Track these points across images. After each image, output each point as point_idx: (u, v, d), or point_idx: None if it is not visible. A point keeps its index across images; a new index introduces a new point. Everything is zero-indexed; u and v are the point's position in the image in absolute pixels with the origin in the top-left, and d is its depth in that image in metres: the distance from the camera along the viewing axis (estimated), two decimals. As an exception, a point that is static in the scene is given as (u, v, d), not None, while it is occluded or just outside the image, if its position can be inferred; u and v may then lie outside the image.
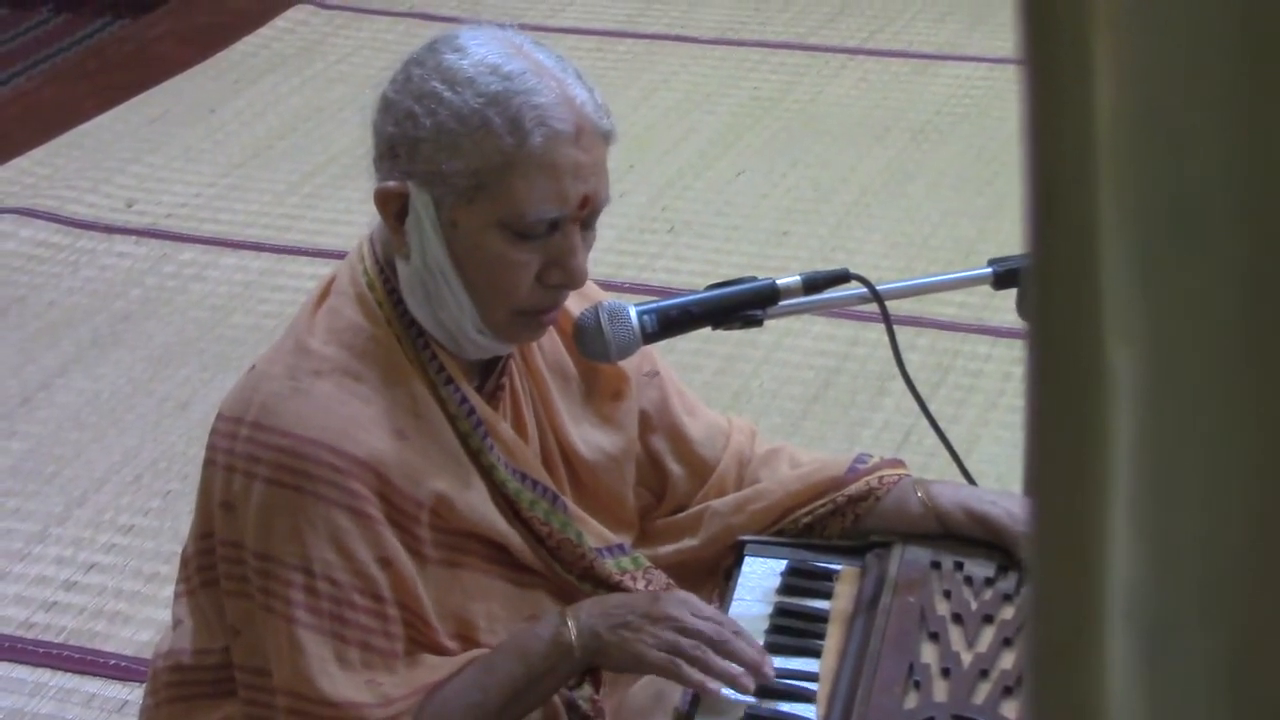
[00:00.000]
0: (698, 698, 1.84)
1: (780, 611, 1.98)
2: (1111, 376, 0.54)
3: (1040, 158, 0.55)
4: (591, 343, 1.93)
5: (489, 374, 1.93)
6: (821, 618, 1.97)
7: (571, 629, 1.85)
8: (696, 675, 1.80)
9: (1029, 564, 0.60)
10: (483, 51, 1.79)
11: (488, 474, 1.89)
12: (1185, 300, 0.52)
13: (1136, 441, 0.54)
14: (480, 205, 1.78)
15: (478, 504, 1.88)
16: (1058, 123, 0.54)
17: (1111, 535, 0.55)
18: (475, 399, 1.88)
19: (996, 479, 3.16)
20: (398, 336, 1.86)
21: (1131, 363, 0.53)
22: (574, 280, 1.83)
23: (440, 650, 1.87)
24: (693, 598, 1.91)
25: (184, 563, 1.97)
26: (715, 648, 1.82)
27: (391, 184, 1.81)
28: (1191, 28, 0.50)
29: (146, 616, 3.12)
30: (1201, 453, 0.53)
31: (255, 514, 1.81)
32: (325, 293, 1.90)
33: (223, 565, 1.86)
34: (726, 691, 1.82)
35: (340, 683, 1.79)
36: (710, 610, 1.88)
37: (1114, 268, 0.53)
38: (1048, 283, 0.55)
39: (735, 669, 1.81)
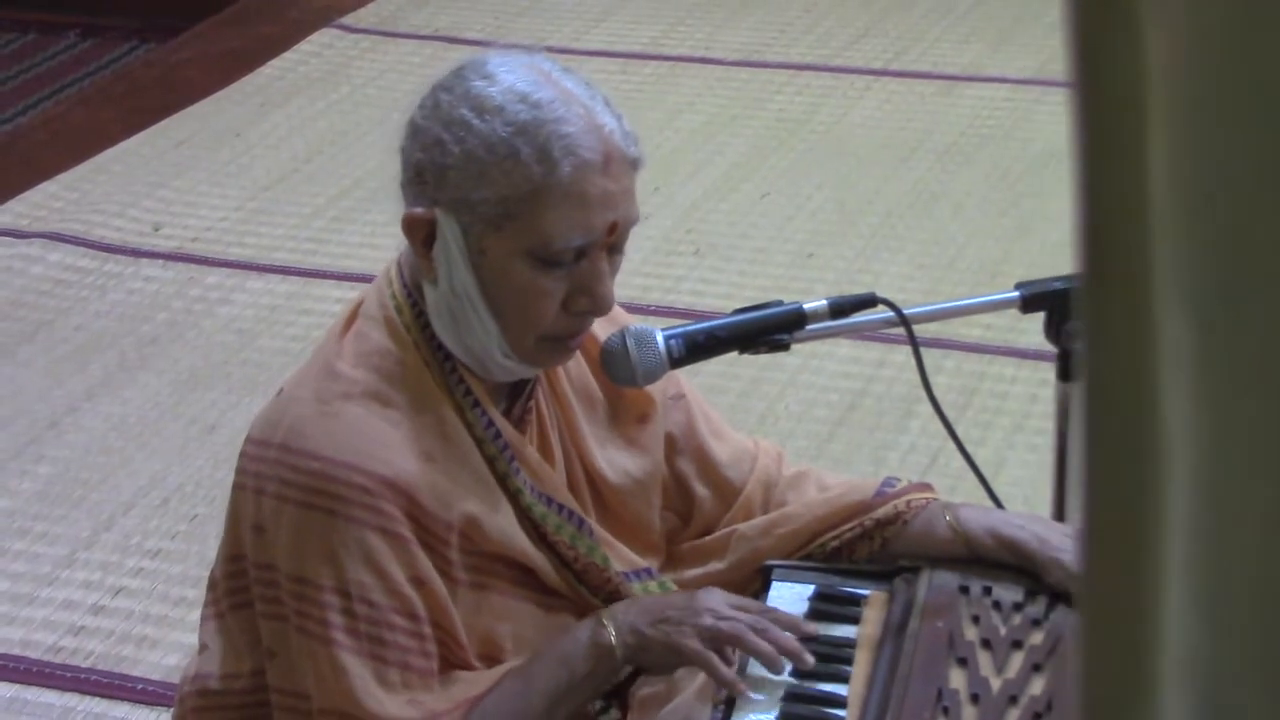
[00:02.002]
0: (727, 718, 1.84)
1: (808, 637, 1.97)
2: (1168, 441, 0.53)
3: (1093, 226, 0.54)
4: (618, 367, 1.93)
5: (515, 398, 1.93)
6: (849, 643, 1.96)
7: (610, 630, 1.87)
8: (729, 674, 1.85)
9: (1081, 623, 0.59)
10: (511, 79, 1.80)
11: (514, 498, 1.89)
12: (1242, 367, 0.52)
13: (1192, 505, 0.53)
14: (508, 233, 1.78)
15: (505, 527, 1.88)
16: (1112, 191, 0.53)
17: (1167, 600, 0.54)
18: (502, 422, 1.88)
19: (1023, 501, 3.15)
20: (425, 360, 1.86)
21: (1188, 428, 0.52)
22: (600, 307, 1.83)
23: (470, 669, 1.88)
24: (728, 593, 1.92)
25: (211, 585, 1.97)
26: (754, 630, 1.86)
27: (419, 210, 1.81)
28: (1250, 96, 0.50)
29: (174, 640, 3.13)
30: (1258, 517, 0.52)
31: (288, 537, 1.81)
32: (353, 316, 1.91)
33: (256, 588, 1.87)
34: (762, 670, 1.86)
35: (386, 703, 1.80)
36: (747, 601, 1.92)
37: (1170, 335, 0.52)
38: (1101, 347, 0.55)
39: (770, 649, 1.85)
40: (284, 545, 1.82)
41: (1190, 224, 0.51)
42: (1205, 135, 0.51)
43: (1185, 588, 0.54)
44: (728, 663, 1.87)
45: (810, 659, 1.88)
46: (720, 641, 1.86)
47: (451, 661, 1.87)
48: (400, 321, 1.87)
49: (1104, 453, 0.55)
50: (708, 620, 1.86)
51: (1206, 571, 0.53)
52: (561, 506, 1.92)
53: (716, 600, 1.90)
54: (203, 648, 1.97)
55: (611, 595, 1.96)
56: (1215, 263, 0.51)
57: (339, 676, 1.79)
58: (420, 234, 1.82)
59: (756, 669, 1.89)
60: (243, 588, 1.90)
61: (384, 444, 1.81)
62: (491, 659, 1.91)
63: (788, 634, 1.88)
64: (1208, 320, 0.52)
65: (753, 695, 1.86)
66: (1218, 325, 0.52)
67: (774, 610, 1.93)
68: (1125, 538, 0.55)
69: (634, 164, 1.83)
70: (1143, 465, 0.54)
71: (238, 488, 1.89)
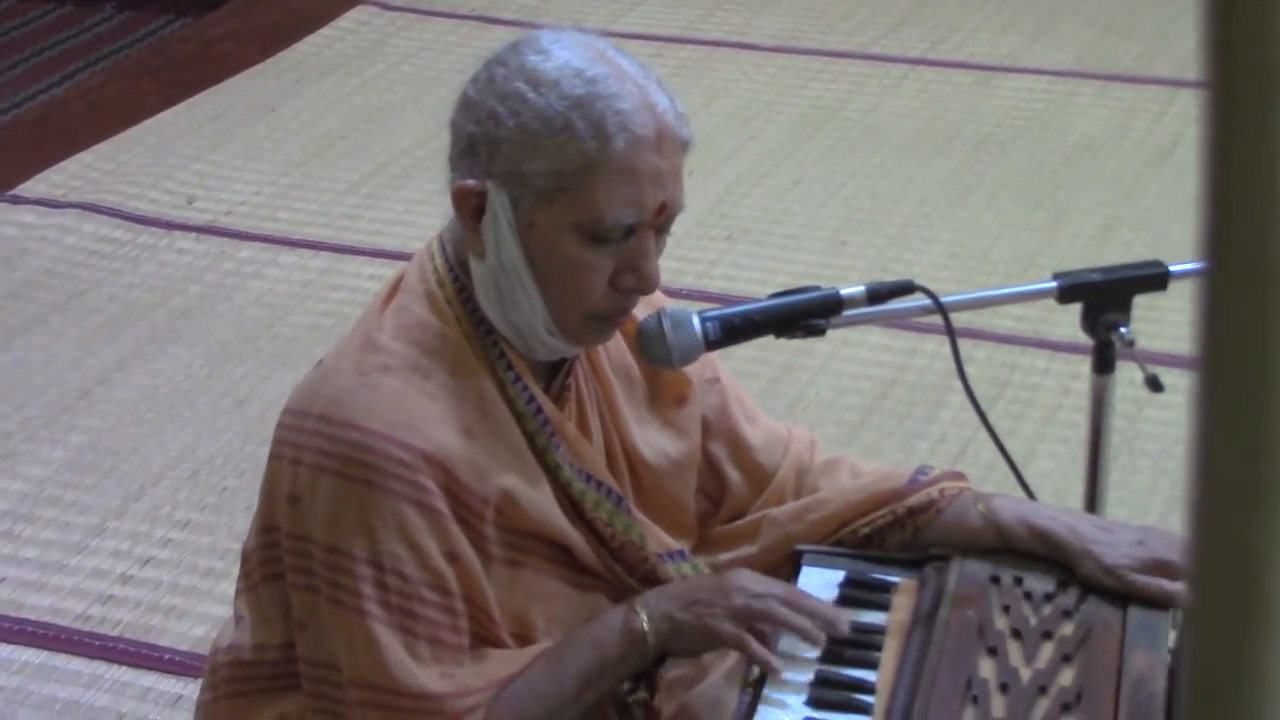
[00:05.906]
0: (754, 705, 1.84)
1: (837, 622, 1.97)
2: None
3: (1220, 222, 0.53)
4: (654, 348, 1.93)
5: (555, 374, 1.94)
6: (879, 630, 1.96)
7: (643, 616, 1.88)
8: (764, 653, 1.86)
9: (1193, 599, 0.58)
10: (566, 55, 1.80)
11: (553, 474, 1.90)
12: None
13: None
14: (558, 207, 1.78)
15: (542, 504, 1.88)
16: (1241, 188, 0.52)
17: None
18: (543, 398, 1.89)
19: (1053, 494, 3.15)
20: (466, 334, 1.86)
21: None
22: (647, 285, 1.84)
23: (501, 646, 1.88)
24: (758, 574, 1.93)
25: (244, 558, 1.98)
26: (786, 605, 1.87)
27: (470, 182, 1.81)
28: None
29: (202, 612, 3.14)
30: None
31: (324, 507, 1.81)
32: (394, 290, 1.91)
33: (289, 558, 1.87)
34: (795, 645, 1.87)
35: (419, 674, 1.80)
36: (779, 583, 1.93)
37: None
38: (1223, 341, 0.54)
39: (805, 622, 1.87)
40: (319, 515, 1.82)
41: None
42: None
43: None
44: (762, 644, 1.87)
45: (846, 625, 1.88)
46: (752, 619, 1.86)
47: (484, 638, 1.87)
48: (441, 295, 1.87)
49: (1221, 442, 0.55)
50: (739, 600, 1.87)
51: None
52: (600, 483, 1.93)
53: (747, 579, 1.90)
54: (238, 620, 1.98)
55: (647, 575, 1.97)
56: None
57: (371, 648, 1.80)
58: (470, 207, 1.82)
59: (786, 646, 1.89)
60: (275, 559, 1.90)
61: (422, 417, 1.81)
62: (523, 637, 1.91)
63: (821, 605, 1.89)
64: None
65: (786, 675, 1.86)
66: None
67: (805, 593, 1.94)
68: (1239, 529, 0.55)
69: (685, 144, 1.83)
70: (1261, 460, 0.53)
71: (274, 458, 1.89)
